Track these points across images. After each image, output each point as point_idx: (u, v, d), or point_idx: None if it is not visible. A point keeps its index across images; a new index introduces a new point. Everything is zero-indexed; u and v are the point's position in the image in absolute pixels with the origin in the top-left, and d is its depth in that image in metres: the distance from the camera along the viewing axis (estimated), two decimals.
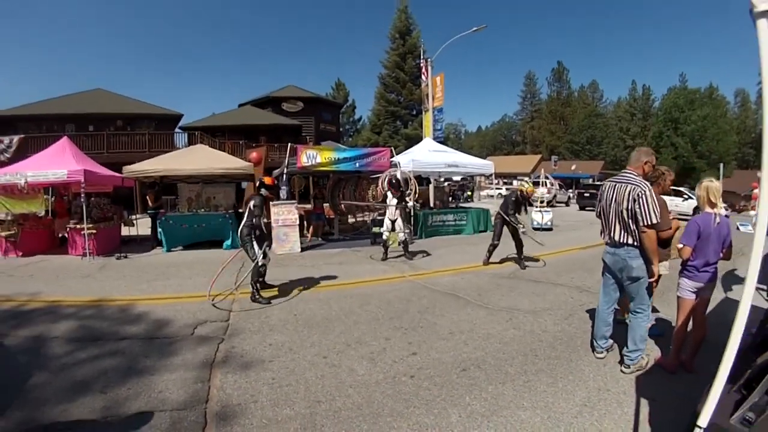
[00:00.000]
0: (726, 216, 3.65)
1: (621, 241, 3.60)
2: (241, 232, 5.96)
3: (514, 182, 8.52)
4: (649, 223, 3.34)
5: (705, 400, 1.82)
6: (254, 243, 5.86)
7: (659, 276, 3.70)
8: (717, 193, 3.47)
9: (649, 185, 3.46)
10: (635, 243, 3.53)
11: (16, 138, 16.79)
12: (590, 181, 33.55)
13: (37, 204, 10.02)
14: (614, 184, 3.69)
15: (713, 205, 3.47)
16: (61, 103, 24.92)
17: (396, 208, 8.72)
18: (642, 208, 3.37)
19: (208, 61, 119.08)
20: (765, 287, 5.90)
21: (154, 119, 25.94)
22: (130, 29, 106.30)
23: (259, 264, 5.85)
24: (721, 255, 3.55)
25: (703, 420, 1.77)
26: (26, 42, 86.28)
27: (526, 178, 8.41)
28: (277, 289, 6.46)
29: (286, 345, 4.33)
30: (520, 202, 8.17)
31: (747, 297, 1.72)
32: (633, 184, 3.50)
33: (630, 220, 3.50)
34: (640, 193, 3.40)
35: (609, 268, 3.82)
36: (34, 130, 22.67)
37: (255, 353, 4.13)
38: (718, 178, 5.05)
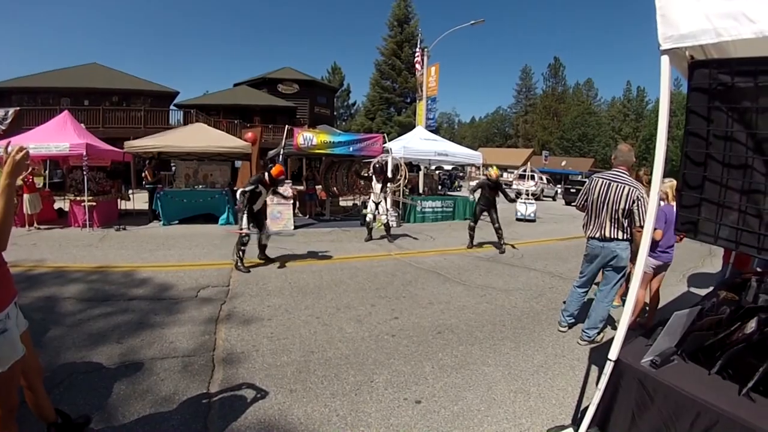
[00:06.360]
0: None
1: (611, 236, 3.90)
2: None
3: (488, 170, 9.11)
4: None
5: (617, 342, 2.27)
6: (244, 215, 6.35)
7: None
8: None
9: (642, 188, 3.88)
10: (624, 237, 3.89)
11: (12, 110, 16.70)
12: (579, 177, 34.07)
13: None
14: (608, 182, 3.91)
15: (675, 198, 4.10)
16: (57, 77, 24.61)
17: (380, 192, 9.14)
18: (639, 210, 3.69)
19: (204, 39, 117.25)
20: None
21: (149, 96, 25.82)
22: (127, 4, 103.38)
23: (242, 234, 6.33)
24: (678, 239, 4.31)
25: (612, 354, 2.27)
26: (19, 17, 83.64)
27: (494, 166, 8.96)
28: (277, 263, 6.85)
29: (283, 307, 4.82)
30: (490, 187, 8.55)
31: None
32: (630, 185, 3.78)
33: (623, 219, 3.82)
34: (639, 196, 3.71)
35: (595, 258, 4.09)
36: (30, 102, 22.46)
37: (255, 313, 4.61)
38: None
